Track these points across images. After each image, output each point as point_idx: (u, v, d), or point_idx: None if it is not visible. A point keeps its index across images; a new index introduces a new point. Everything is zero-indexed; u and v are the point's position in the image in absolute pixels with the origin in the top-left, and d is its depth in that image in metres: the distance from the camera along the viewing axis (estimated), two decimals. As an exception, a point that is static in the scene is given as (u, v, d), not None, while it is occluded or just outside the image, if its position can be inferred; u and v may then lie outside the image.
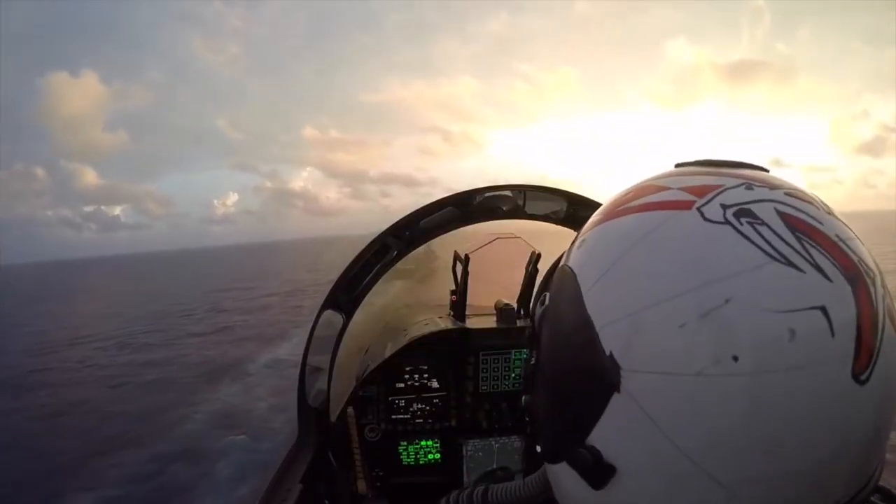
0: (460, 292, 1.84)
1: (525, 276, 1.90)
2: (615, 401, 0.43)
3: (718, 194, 0.44)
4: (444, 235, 1.69)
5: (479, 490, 0.69)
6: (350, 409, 1.63)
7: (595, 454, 0.45)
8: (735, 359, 0.38)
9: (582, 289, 0.47)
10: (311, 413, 1.67)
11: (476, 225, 1.69)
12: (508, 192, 1.66)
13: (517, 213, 1.69)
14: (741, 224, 0.41)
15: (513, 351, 1.71)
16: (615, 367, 0.42)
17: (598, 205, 1.68)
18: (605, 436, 0.45)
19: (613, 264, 0.45)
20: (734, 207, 0.43)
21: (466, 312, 1.86)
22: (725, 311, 0.38)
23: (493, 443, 1.75)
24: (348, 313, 1.63)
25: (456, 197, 1.64)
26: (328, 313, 1.62)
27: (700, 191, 0.45)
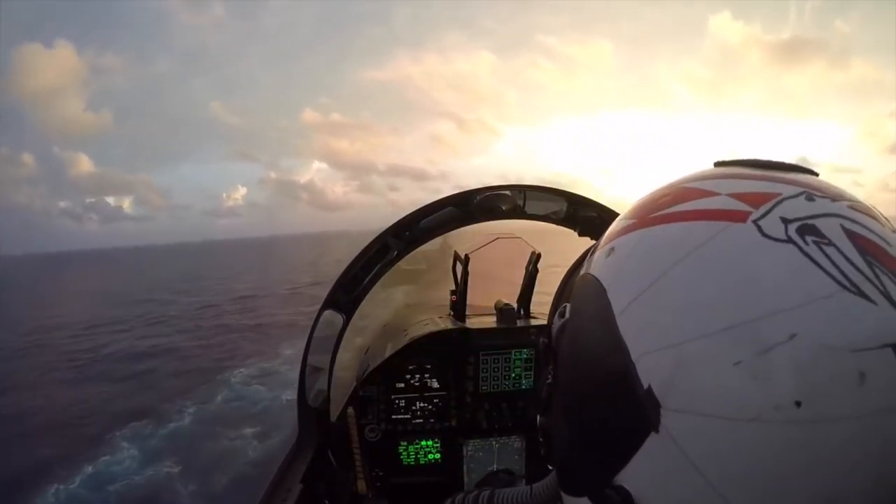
0: (460, 292, 1.85)
1: (525, 276, 1.90)
2: (651, 442, 0.38)
3: (777, 205, 0.39)
4: (452, 233, 1.70)
5: (484, 494, 0.65)
6: (350, 409, 1.63)
7: (624, 495, 0.40)
8: (798, 404, 0.33)
9: (614, 308, 0.41)
10: (311, 413, 1.67)
11: (476, 225, 1.69)
12: (508, 192, 1.67)
13: (517, 212, 1.69)
14: (806, 244, 0.36)
15: (513, 351, 1.71)
16: (654, 405, 0.37)
17: (598, 205, 1.69)
18: (636, 477, 0.40)
19: (654, 283, 0.40)
20: (797, 223, 0.37)
21: (466, 312, 1.86)
22: (789, 348, 0.33)
23: (494, 443, 1.75)
24: (348, 313, 1.63)
25: (456, 197, 1.64)
26: (328, 313, 1.61)
27: (754, 199, 0.39)
